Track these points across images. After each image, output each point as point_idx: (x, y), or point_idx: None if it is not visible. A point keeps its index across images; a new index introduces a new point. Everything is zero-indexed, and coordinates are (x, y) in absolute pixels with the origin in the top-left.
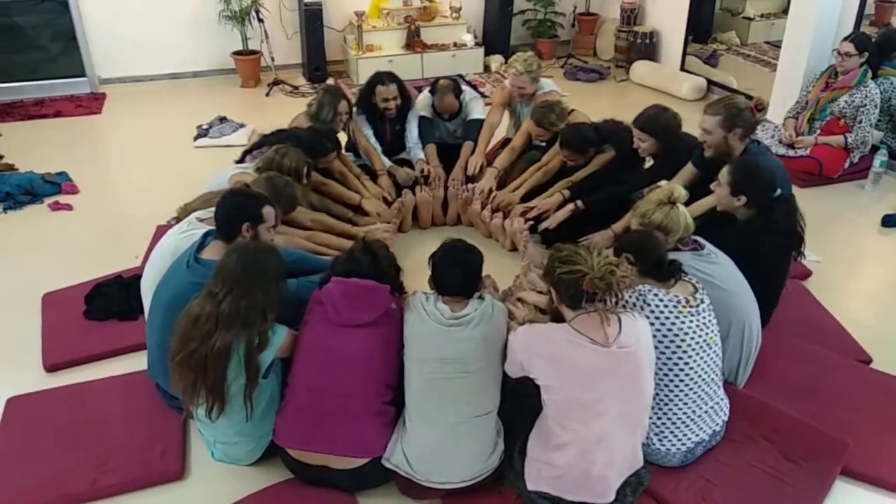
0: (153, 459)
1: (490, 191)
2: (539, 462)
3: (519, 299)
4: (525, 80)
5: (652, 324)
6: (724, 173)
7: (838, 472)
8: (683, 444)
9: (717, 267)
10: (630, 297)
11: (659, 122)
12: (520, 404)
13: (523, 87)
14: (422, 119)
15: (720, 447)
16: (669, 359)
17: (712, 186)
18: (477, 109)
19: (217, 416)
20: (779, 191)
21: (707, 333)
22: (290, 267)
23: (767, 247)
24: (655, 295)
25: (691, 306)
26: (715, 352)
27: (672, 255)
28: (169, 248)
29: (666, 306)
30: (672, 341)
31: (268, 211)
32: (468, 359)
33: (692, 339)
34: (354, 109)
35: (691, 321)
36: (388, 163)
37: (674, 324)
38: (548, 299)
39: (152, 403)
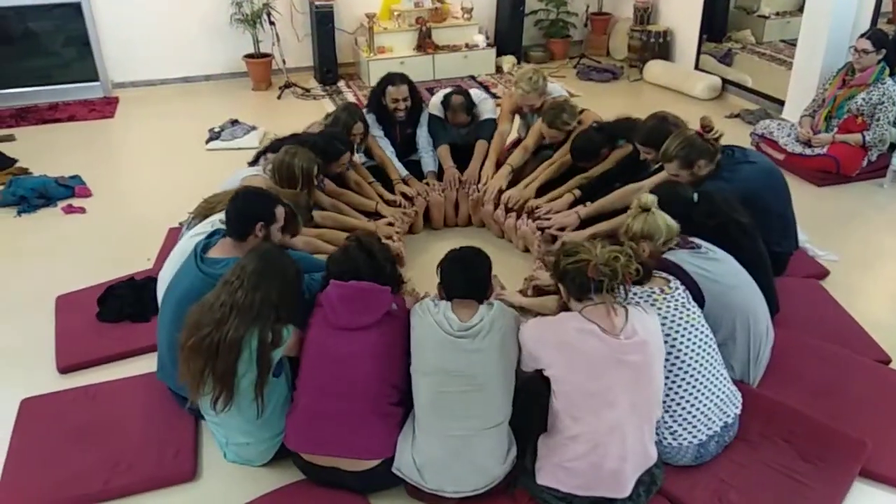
0: (166, 460)
1: (500, 190)
2: (550, 457)
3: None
4: (533, 97)
5: None
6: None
7: (857, 473)
8: (695, 437)
9: (716, 263)
10: None
11: (659, 134)
12: (531, 404)
13: (532, 103)
14: (433, 119)
15: (736, 447)
16: None
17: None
18: (487, 110)
19: (223, 408)
20: (696, 196)
21: (686, 314)
22: None
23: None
24: (628, 290)
25: (665, 294)
26: (703, 332)
27: (670, 255)
28: (186, 250)
29: (641, 297)
30: None
31: (280, 211)
32: (476, 373)
33: (673, 321)
34: (366, 108)
35: (668, 305)
36: (403, 171)
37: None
38: (557, 299)
39: (165, 404)
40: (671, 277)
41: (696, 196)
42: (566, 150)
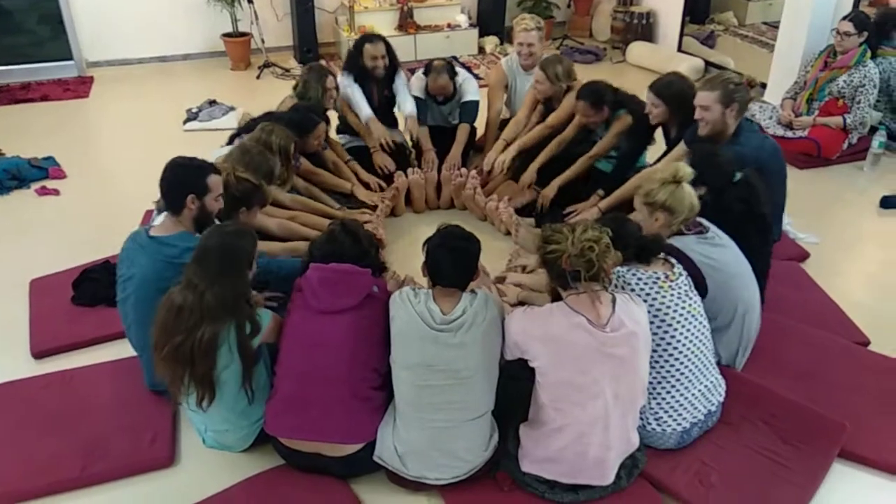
0: (143, 446)
1: (498, 168)
2: (534, 448)
3: (499, 280)
4: (535, 35)
5: None
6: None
7: (836, 455)
8: (679, 425)
9: (722, 250)
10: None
11: (673, 88)
12: (512, 386)
13: (532, 43)
14: (415, 100)
15: (717, 430)
16: (655, 334)
17: None
18: (471, 91)
19: (208, 406)
20: (738, 175)
21: (688, 304)
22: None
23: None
24: (634, 274)
25: (671, 280)
26: (700, 322)
27: (676, 240)
28: None
29: (646, 283)
30: (656, 316)
31: (213, 180)
32: (459, 367)
33: (675, 311)
34: (343, 72)
35: (672, 294)
36: (381, 130)
37: (655, 299)
38: (546, 279)
39: (142, 389)
40: (675, 261)
41: (737, 175)
42: (562, 117)
